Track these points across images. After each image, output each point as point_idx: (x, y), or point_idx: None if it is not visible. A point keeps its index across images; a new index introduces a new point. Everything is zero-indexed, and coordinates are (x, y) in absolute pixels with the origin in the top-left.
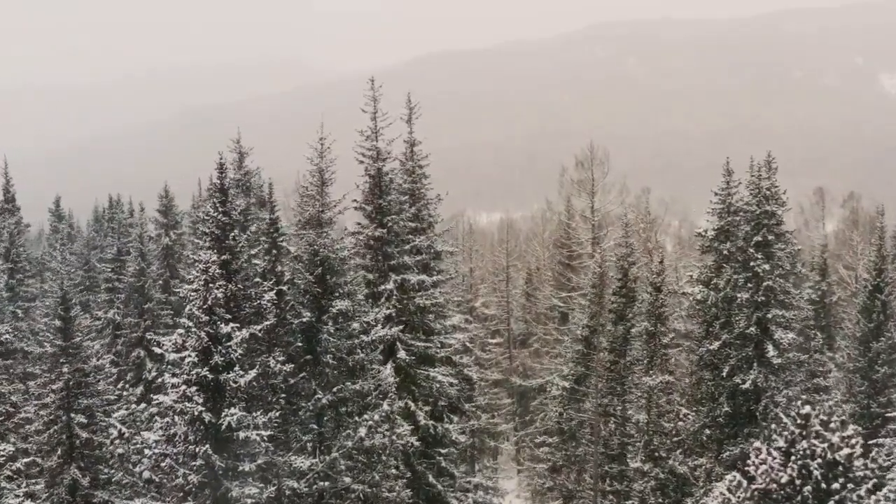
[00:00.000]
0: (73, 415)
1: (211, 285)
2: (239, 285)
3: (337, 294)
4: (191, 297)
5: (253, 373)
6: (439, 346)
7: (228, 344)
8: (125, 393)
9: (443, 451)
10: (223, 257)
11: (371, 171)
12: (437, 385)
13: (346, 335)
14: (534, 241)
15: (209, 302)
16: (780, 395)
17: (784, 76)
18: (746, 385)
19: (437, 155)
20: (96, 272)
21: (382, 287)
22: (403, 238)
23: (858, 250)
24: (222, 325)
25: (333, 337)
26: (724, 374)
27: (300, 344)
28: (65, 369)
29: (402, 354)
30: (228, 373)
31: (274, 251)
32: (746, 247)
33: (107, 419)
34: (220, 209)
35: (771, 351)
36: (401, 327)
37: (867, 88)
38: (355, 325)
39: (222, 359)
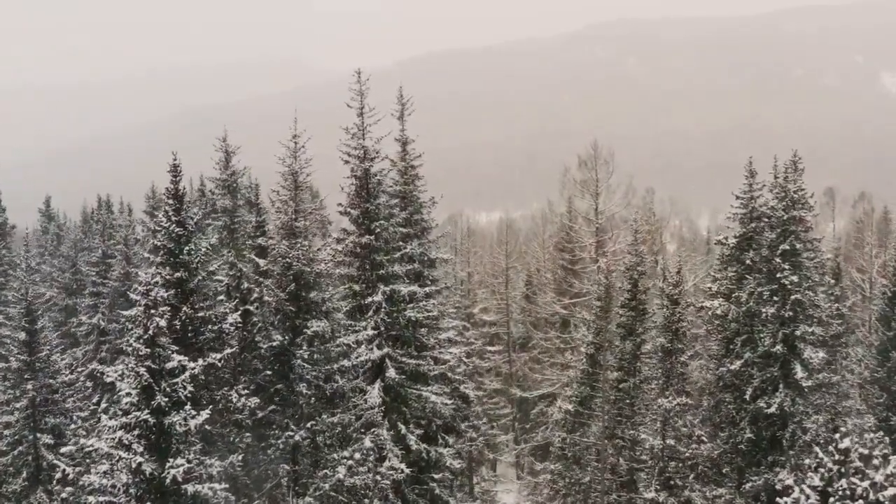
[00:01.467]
0: (39, 435)
1: (153, 311)
2: (197, 305)
3: (313, 313)
4: (129, 326)
5: (205, 413)
6: (433, 362)
7: (175, 381)
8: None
9: (436, 476)
10: (177, 274)
11: (357, 171)
12: (431, 405)
13: (323, 359)
14: (534, 242)
15: (151, 331)
16: (808, 420)
17: (784, 75)
18: (772, 409)
19: (436, 155)
20: (83, 275)
21: (370, 299)
22: (393, 245)
23: (873, 253)
24: (173, 356)
25: (309, 362)
26: (747, 396)
27: (270, 372)
28: (29, 386)
29: (391, 373)
30: (177, 413)
31: (238, 266)
32: (772, 256)
33: (76, 438)
34: (173, 218)
35: (799, 372)
36: (391, 343)
37: (868, 88)
38: (334, 347)
39: (167, 399)
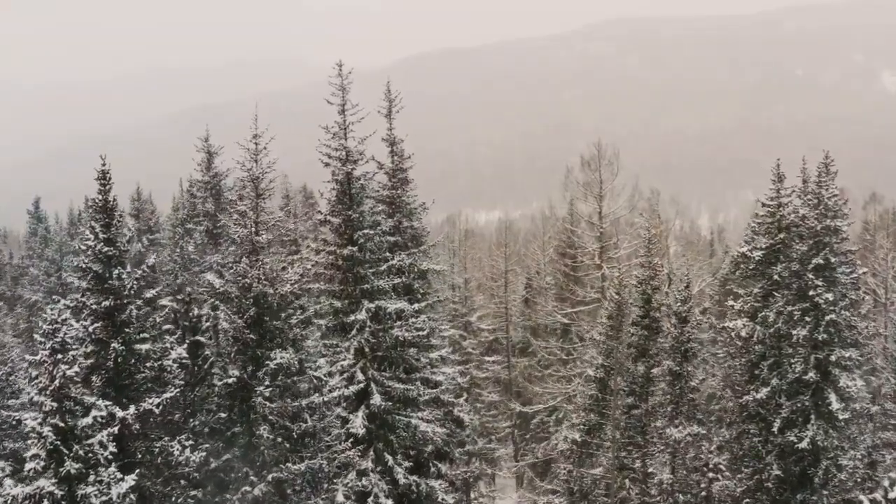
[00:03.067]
0: None
1: (59, 357)
2: (132, 339)
3: (277, 341)
4: (33, 375)
5: (132, 479)
6: (423, 385)
7: (91, 441)
8: None
9: None
10: (105, 303)
11: (339, 175)
12: (421, 433)
13: (290, 395)
14: (533, 244)
15: (58, 381)
16: (844, 456)
17: (785, 74)
18: (803, 444)
19: (434, 154)
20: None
21: (353, 317)
22: (380, 256)
23: (889, 257)
24: (98, 403)
25: (272, 400)
26: (775, 428)
27: (225, 414)
28: None
29: (376, 399)
30: (96, 479)
31: (187, 288)
32: (803, 271)
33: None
34: (101, 236)
35: (834, 402)
36: (376, 364)
37: (868, 86)
38: (303, 381)
39: (81, 464)
